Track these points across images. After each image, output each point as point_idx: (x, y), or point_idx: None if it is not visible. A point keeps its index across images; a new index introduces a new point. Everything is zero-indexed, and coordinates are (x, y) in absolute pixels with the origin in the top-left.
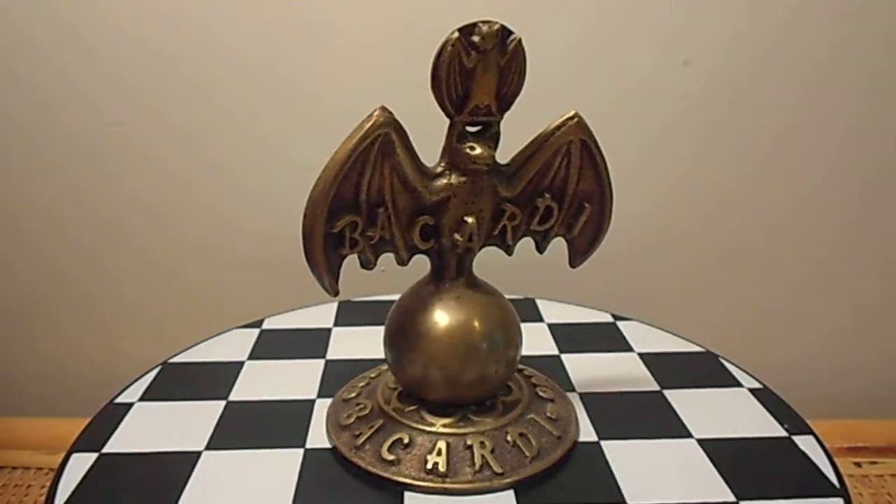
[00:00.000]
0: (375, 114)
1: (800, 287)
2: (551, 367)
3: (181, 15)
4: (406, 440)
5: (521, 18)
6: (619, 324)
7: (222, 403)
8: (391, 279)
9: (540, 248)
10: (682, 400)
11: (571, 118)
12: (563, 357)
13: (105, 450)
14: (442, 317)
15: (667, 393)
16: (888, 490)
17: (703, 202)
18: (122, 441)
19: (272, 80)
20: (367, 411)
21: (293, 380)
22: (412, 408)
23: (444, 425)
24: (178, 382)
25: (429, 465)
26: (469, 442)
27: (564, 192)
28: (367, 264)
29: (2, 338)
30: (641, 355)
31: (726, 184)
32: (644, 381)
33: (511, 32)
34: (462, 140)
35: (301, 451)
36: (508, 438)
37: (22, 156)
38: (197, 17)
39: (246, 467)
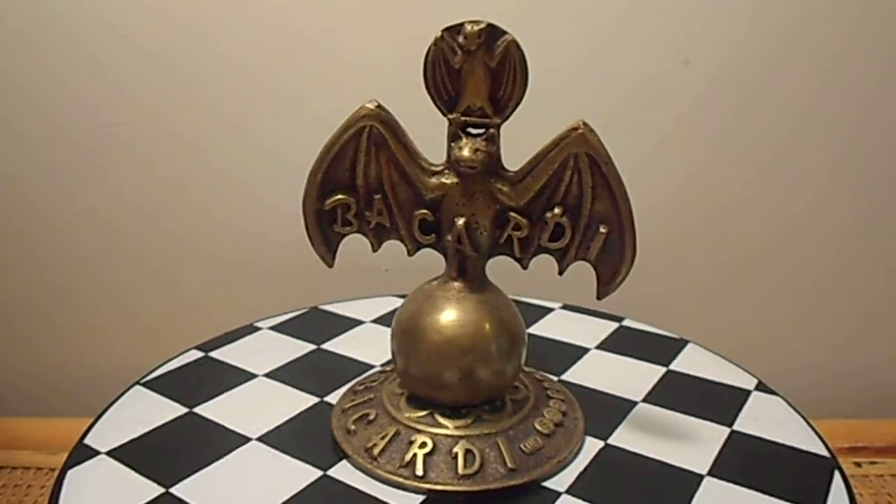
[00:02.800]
0: (363, 106)
1: (804, 290)
2: (614, 408)
3: (179, 18)
4: (371, 417)
5: (523, 21)
6: (755, 394)
7: (313, 348)
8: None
9: (559, 269)
10: (716, 494)
11: (575, 129)
12: (641, 405)
13: (211, 354)
14: (426, 314)
15: (709, 480)
16: (888, 490)
17: (706, 205)
18: (228, 352)
19: (269, 83)
20: (374, 384)
21: (382, 347)
22: (399, 393)
23: (409, 417)
24: (306, 324)
25: (368, 445)
26: (413, 438)
27: (580, 211)
28: (371, 247)
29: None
30: (735, 433)
31: (729, 187)
32: (697, 460)
33: (503, 33)
34: (455, 140)
35: (315, 400)
36: (454, 450)
37: (17, 158)
38: (194, 20)
39: (269, 397)
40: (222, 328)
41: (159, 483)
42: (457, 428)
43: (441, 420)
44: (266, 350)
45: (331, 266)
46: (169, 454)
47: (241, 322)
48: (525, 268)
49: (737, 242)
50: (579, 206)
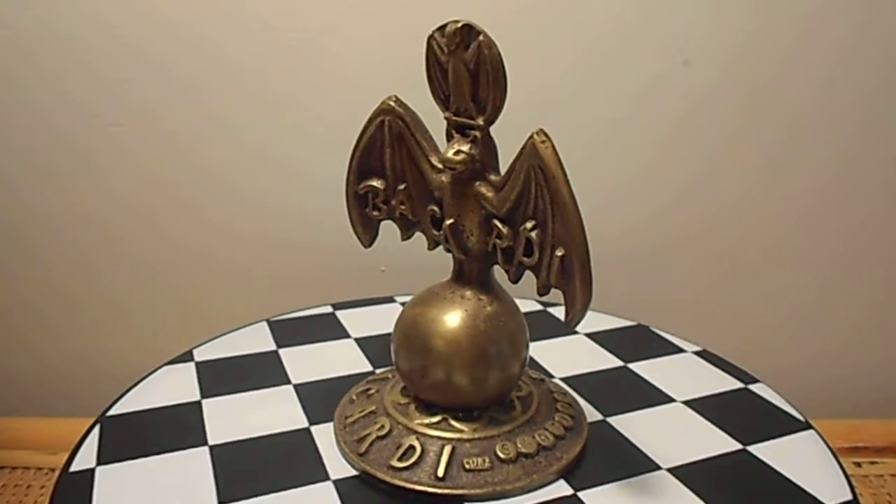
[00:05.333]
0: (383, 101)
1: (805, 291)
2: (627, 465)
3: (176, 19)
4: (370, 393)
5: (523, 23)
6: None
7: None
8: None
9: (537, 289)
10: None
11: (530, 137)
12: (661, 473)
13: (337, 312)
14: (415, 309)
15: None
16: (888, 490)
17: (705, 207)
18: (348, 314)
19: (268, 85)
20: (385, 374)
21: None
22: (396, 382)
23: (392, 401)
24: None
25: (347, 414)
26: (379, 419)
27: (546, 228)
28: (401, 235)
29: None
30: None
31: (730, 188)
32: None
33: (478, 34)
34: (448, 139)
35: (368, 370)
36: (401, 441)
37: (16, 159)
38: (192, 21)
39: (338, 357)
40: (222, 329)
41: (202, 393)
42: (420, 424)
43: (413, 412)
44: (376, 320)
45: (366, 247)
46: (227, 376)
47: (239, 323)
48: (513, 281)
49: (738, 244)
50: (545, 222)
